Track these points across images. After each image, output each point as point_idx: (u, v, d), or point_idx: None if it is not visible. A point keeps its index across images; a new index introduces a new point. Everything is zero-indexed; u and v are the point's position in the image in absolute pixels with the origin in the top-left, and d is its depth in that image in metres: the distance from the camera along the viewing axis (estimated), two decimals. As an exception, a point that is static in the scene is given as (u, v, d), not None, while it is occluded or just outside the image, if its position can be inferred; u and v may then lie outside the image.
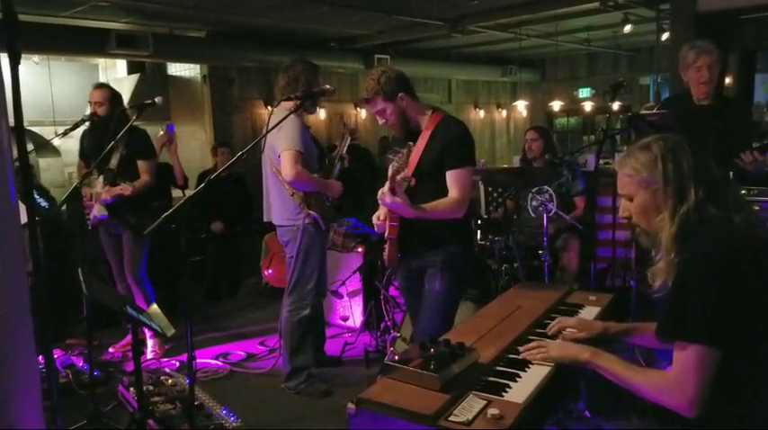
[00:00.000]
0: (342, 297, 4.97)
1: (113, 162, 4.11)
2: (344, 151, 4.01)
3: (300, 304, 3.82)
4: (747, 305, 1.61)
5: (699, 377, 1.60)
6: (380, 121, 2.95)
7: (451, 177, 2.81)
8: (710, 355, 1.60)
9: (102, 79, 8.48)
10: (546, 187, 4.01)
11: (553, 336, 2.25)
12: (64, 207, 3.82)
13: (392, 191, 2.62)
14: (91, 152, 4.36)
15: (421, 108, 2.94)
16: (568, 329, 2.24)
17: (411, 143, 2.80)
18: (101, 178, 4.21)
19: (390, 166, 2.66)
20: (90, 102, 4.29)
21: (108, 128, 4.11)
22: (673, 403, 1.65)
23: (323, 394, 3.83)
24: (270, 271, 6.00)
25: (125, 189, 4.03)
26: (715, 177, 1.76)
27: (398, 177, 2.68)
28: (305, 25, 7.74)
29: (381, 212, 2.96)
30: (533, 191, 4.07)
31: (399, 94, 2.85)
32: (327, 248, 4.11)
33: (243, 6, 6.59)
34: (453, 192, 2.80)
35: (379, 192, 2.68)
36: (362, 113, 10.35)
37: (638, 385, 1.75)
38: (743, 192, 4.27)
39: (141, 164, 4.34)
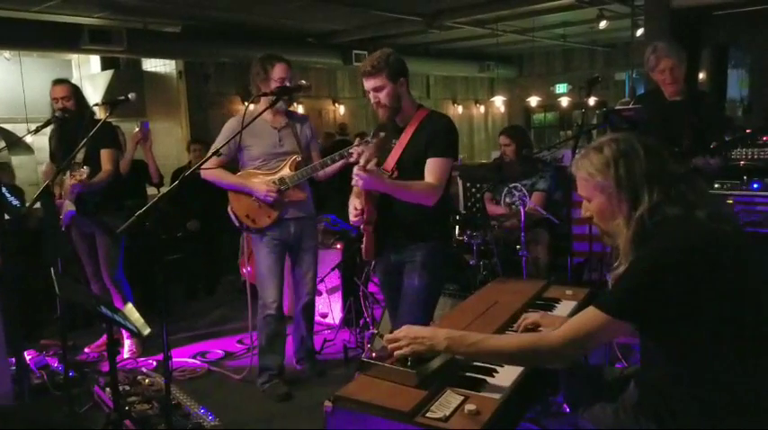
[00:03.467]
0: (321, 293, 4.96)
1: (79, 156, 4.02)
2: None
3: (263, 302, 3.80)
4: (708, 306, 1.59)
5: (585, 335, 1.67)
6: (373, 100, 2.88)
7: (431, 165, 2.81)
8: (611, 327, 1.66)
9: (75, 75, 8.38)
10: (518, 184, 4.04)
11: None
12: (37, 205, 3.76)
13: (363, 169, 2.64)
14: (59, 151, 4.27)
15: (412, 101, 2.95)
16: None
17: (382, 134, 2.82)
18: (69, 173, 4.13)
19: (360, 149, 2.68)
20: (56, 98, 4.16)
21: (81, 122, 4.03)
22: (545, 351, 1.72)
23: (280, 397, 3.72)
24: (248, 268, 5.93)
25: (82, 173, 3.94)
26: (672, 176, 1.73)
27: (370, 165, 2.70)
28: (282, 20, 7.70)
29: (357, 202, 2.93)
30: (506, 188, 4.09)
31: (401, 78, 2.85)
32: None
33: (218, 0, 6.53)
34: (430, 178, 2.81)
35: (354, 179, 2.69)
36: (341, 109, 10.32)
37: (511, 350, 1.77)
38: (716, 185, 4.34)
39: (102, 153, 4.24)
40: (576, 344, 1.69)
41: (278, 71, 3.59)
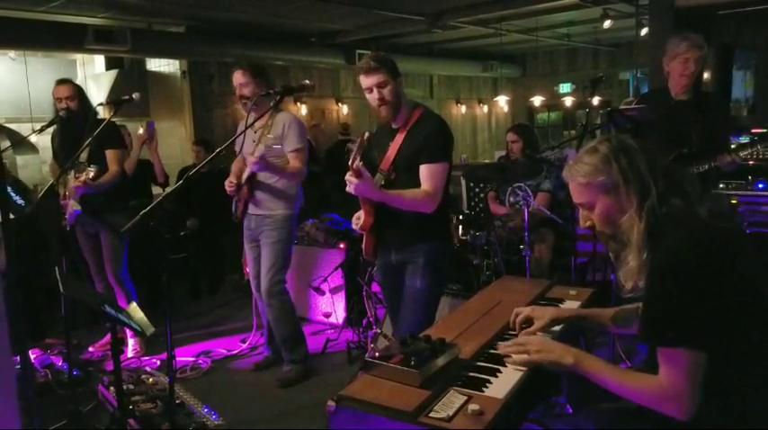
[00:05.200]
0: (324, 293, 4.96)
1: (83, 156, 4.02)
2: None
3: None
4: (724, 302, 1.58)
5: (690, 381, 1.57)
6: (377, 97, 2.83)
7: (425, 172, 2.82)
8: (696, 358, 1.57)
9: (80, 75, 8.38)
10: (522, 184, 4.03)
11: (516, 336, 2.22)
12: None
13: (357, 175, 2.63)
14: (62, 151, 4.28)
15: (407, 102, 2.95)
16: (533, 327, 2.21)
17: (366, 133, 2.81)
18: (73, 173, 4.14)
19: (352, 152, 2.69)
20: (59, 98, 4.16)
21: (85, 122, 4.04)
22: (669, 410, 1.61)
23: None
24: (251, 268, 5.95)
25: (88, 173, 3.94)
26: (668, 169, 1.73)
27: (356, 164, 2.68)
28: (285, 20, 7.70)
29: (361, 212, 2.96)
30: (510, 188, 4.08)
31: (399, 78, 2.88)
32: (294, 243, 4.19)
33: (222, 0, 6.54)
34: (426, 185, 2.81)
35: (347, 185, 2.67)
36: (344, 109, 10.32)
37: (628, 391, 1.70)
38: (721, 185, 4.33)
39: (108, 154, 4.24)
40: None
41: (234, 79, 3.87)
